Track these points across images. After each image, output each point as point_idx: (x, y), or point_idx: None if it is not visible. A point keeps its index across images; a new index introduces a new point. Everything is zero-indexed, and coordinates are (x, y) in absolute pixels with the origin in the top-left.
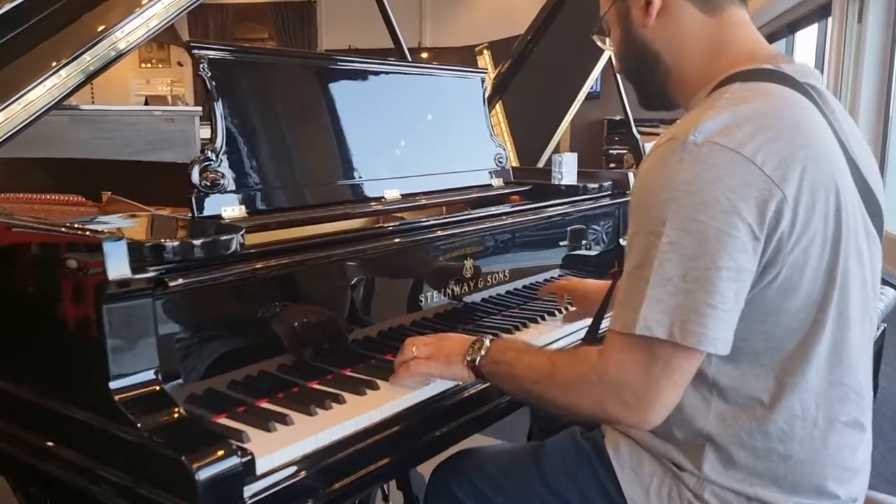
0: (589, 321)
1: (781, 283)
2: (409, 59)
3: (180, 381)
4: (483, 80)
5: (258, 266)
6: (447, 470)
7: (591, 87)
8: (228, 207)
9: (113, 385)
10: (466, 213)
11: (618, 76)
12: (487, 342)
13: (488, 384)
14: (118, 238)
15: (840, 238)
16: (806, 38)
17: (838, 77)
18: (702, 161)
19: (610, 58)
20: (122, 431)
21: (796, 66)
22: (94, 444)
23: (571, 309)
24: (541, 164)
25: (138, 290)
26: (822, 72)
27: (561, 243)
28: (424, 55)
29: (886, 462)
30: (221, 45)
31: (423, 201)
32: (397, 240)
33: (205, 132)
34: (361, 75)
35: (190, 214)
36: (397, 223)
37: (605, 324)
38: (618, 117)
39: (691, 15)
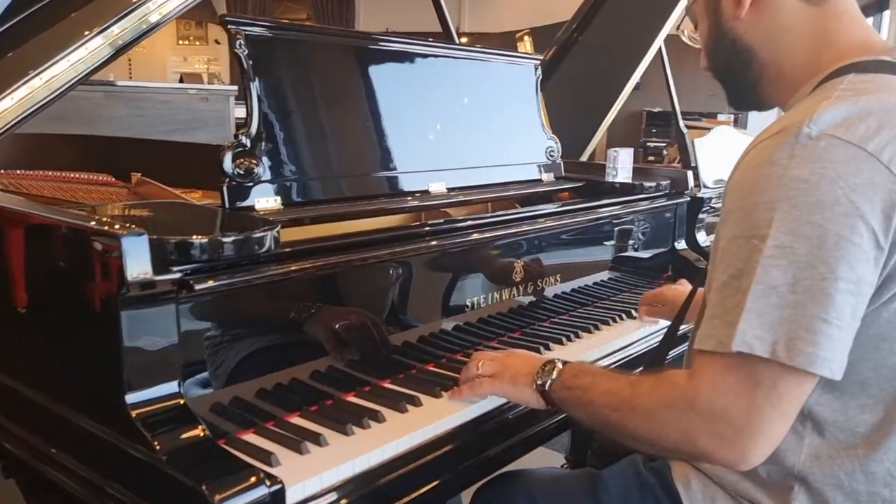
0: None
1: None
2: (454, 34)
3: (207, 390)
4: (537, 67)
5: (293, 268)
6: (491, 495)
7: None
8: (262, 198)
9: (129, 399)
10: (515, 211)
11: (666, 66)
12: (560, 364)
13: None
14: (139, 233)
15: None
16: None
17: None
18: (819, 157)
19: (660, 48)
20: (136, 451)
21: None
22: (106, 459)
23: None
24: (583, 158)
25: (160, 292)
26: None
27: (612, 243)
28: (464, 40)
29: None
30: (259, 21)
31: (470, 197)
32: (436, 242)
33: (239, 112)
34: (408, 58)
35: (221, 203)
36: (439, 222)
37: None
38: (657, 109)
39: (791, 5)
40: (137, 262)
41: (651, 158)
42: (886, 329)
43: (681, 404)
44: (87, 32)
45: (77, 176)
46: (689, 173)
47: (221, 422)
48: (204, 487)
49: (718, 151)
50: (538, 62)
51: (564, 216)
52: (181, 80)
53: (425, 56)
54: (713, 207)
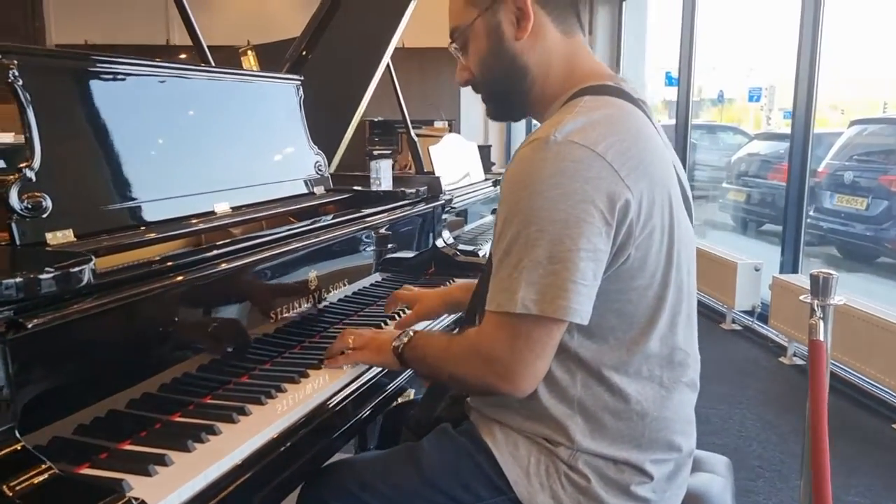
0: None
1: (631, 264)
2: (208, 55)
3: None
4: (299, 87)
5: (117, 296)
6: (319, 484)
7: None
8: (53, 232)
9: None
10: (298, 225)
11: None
12: (412, 332)
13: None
14: None
15: (673, 226)
16: None
17: None
18: (563, 156)
19: (388, 64)
20: None
21: (630, 84)
22: None
23: (405, 315)
24: (332, 169)
25: None
26: None
27: (381, 248)
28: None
29: None
30: (36, 50)
31: (252, 215)
32: (230, 261)
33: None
34: (183, 82)
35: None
36: (225, 242)
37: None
38: (378, 118)
39: (553, 35)
40: None
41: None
42: (622, 285)
43: (472, 352)
44: None
45: None
46: (441, 178)
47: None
48: None
49: (450, 156)
50: (300, 82)
51: (341, 227)
52: None
53: (201, 80)
54: (453, 207)
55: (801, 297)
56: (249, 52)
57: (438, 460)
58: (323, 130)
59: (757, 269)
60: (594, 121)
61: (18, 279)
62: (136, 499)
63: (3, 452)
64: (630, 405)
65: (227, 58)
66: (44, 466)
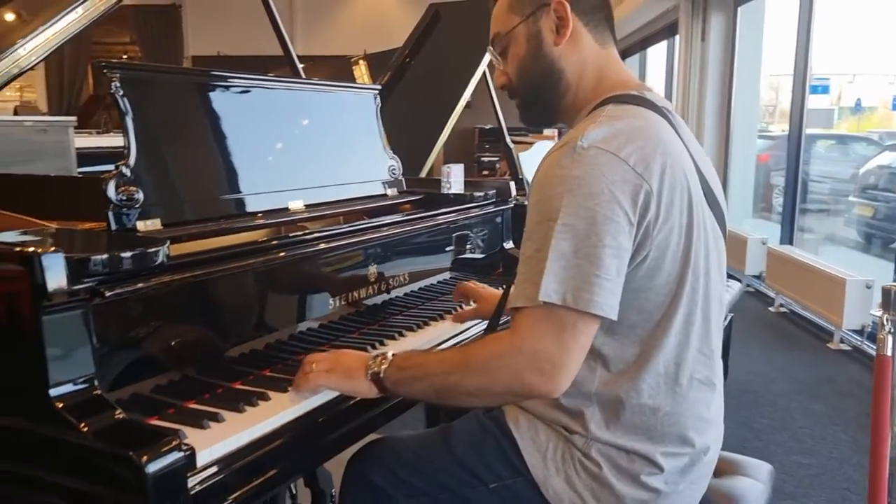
0: (479, 322)
1: (649, 263)
2: (298, 65)
3: (111, 386)
4: (376, 96)
5: (185, 275)
6: (362, 459)
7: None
8: (143, 221)
9: (53, 392)
10: (364, 222)
11: (491, 87)
12: (390, 355)
13: None
14: (56, 251)
15: (692, 228)
16: (657, 53)
17: (685, 89)
18: (589, 161)
19: (484, 72)
20: (66, 436)
21: (655, 94)
22: (36, 452)
23: (466, 308)
24: (423, 174)
25: (75, 300)
26: (670, 84)
27: (450, 248)
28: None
29: (735, 435)
30: (131, 65)
31: (325, 212)
32: (283, 253)
33: (80, 141)
34: (268, 92)
35: (107, 228)
36: (301, 233)
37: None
38: (488, 126)
39: (589, 43)
40: (56, 276)
41: (485, 172)
42: (642, 283)
43: (509, 352)
44: None
45: None
46: (512, 183)
47: (128, 413)
48: (132, 454)
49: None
50: (377, 91)
51: (406, 224)
52: (16, 112)
53: (282, 90)
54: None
55: (871, 311)
56: (361, 62)
57: (467, 441)
58: (419, 136)
59: (868, 287)
60: (617, 128)
61: (104, 256)
62: (186, 444)
63: (83, 398)
64: (643, 400)
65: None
66: (115, 412)
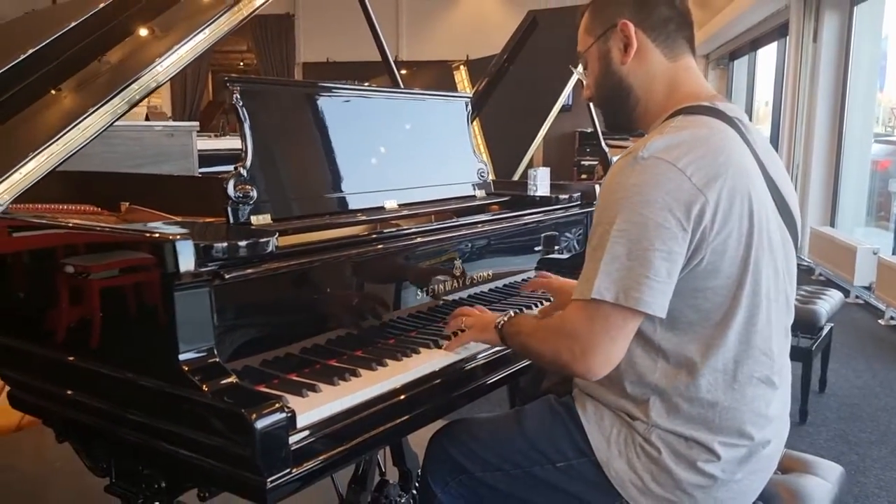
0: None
1: (706, 266)
2: (396, 71)
3: (227, 358)
4: (467, 104)
5: (291, 264)
6: (444, 436)
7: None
8: (256, 216)
9: (181, 357)
10: (452, 220)
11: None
12: (512, 313)
13: (477, 365)
14: (187, 238)
15: (753, 235)
16: (768, 54)
17: (795, 91)
18: (647, 170)
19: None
20: (190, 394)
21: (728, 104)
22: (165, 407)
23: (545, 304)
24: (516, 177)
25: (201, 281)
26: (781, 86)
27: (536, 248)
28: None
29: (829, 447)
30: (250, 79)
31: (417, 211)
32: (382, 245)
33: (201, 144)
34: (366, 102)
35: (225, 221)
36: (395, 230)
37: None
38: (589, 130)
39: (658, 58)
40: (186, 259)
41: (584, 176)
42: (699, 283)
43: (555, 330)
44: (112, 91)
45: (67, 207)
46: (597, 186)
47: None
48: (244, 411)
49: None
50: (468, 99)
51: (491, 223)
52: (147, 119)
53: (379, 100)
54: None
55: None
56: (462, 67)
57: (538, 423)
58: (514, 140)
59: None
60: (679, 139)
61: (224, 244)
62: (287, 407)
63: (205, 364)
64: (701, 394)
65: (443, 72)
66: (230, 377)
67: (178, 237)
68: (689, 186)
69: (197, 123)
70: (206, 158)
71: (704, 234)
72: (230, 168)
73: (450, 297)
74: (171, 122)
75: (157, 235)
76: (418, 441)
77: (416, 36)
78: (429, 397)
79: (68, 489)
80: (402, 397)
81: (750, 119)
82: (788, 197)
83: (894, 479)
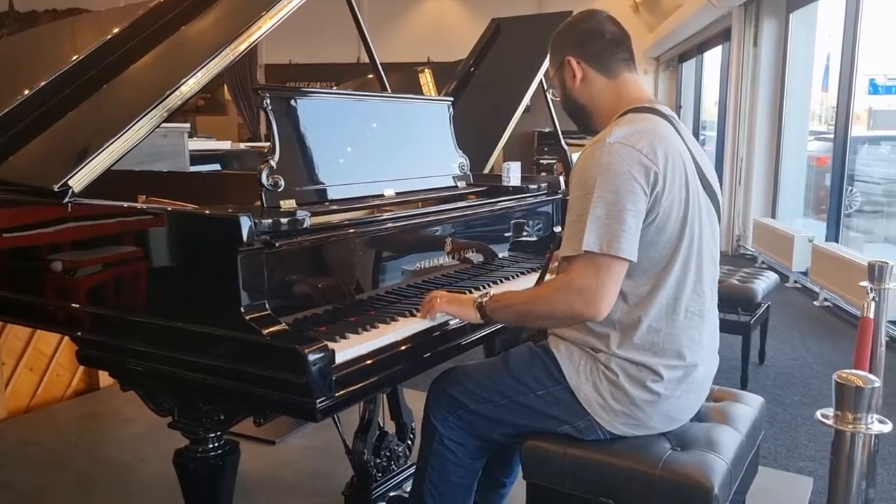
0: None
1: (657, 223)
2: (383, 73)
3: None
4: (449, 107)
5: (321, 236)
6: (442, 379)
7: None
8: (283, 200)
9: (243, 309)
10: (439, 206)
11: (547, 94)
12: (491, 292)
13: (465, 324)
14: (247, 214)
15: (689, 201)
16: (714, 57)
17: (738, 91)
18: (615, 152)
19: (541, 80)
20: (252, 338)
21: (663, 106)
22: (227, 350)
23: (520, 277)
24: (486, 171)
25: (257, 248)
26: (725, 87)
27: (509, 231)
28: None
29: (766, 409)
30: (277, 87)
31: (409, 198)
32: (390, 224)
33: (192, 145)
34: (367, 105)
35: (260, 205)
36: (396, 213)
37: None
38: (547, 129)
39: (600, 80)
40: (247, 230)
41: (543, 174)
42: (652, 237)
43: (564, 287)
44: (155, 100)
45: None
46: (561, 177)
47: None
48: (298, 347)
49: None
50: (451, 102)
51: (471, 209)
52: None
53: (376, 103)
54: None
55: (860, 283)
56: (427, 70)
57: (521, 362)
58: (482, 138)
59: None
60: (634, 129)
61: (271, 220)
62: (329, 346)
63: (262, 314)
64: (650, 323)
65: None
66: (282, 324)
67: (241, 213)
68: (646, 161)
69: (188, 125)
70: (196, 158)
71: (657, 197)
72: (217, 167)
73: (442, 270)
74: (164, 125)
75: (230, 210)
76: (413, 398)
77: (376, 38)
78: (430, 346)
79: (85, 459)
80: (410, 345)
81: (699, 117)
82: (710, 176)
83: (821, 433)
